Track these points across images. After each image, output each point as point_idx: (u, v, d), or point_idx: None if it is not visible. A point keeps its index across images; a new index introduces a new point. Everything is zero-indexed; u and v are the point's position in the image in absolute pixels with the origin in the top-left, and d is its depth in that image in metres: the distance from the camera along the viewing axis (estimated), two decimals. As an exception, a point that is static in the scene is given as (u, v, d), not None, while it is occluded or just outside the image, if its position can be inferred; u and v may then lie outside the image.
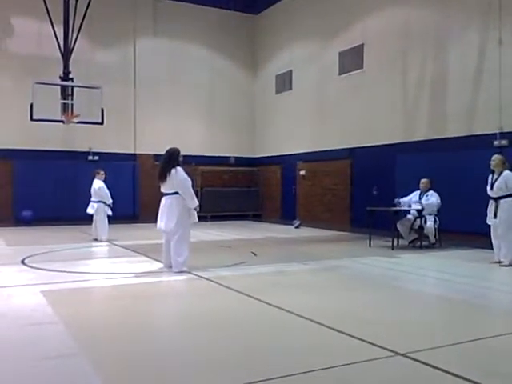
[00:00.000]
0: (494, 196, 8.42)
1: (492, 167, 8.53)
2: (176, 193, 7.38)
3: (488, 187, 8.50)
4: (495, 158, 8.54)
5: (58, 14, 14.43)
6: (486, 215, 8.54)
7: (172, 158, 7.48)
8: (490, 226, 8.54)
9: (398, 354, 3.83)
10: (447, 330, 4.62)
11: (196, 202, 7.49)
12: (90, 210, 11.78)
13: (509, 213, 8.26)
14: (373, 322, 4.84)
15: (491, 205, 8.46)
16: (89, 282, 7.01)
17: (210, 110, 18.98)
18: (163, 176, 7.40)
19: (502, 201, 8.33)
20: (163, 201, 7.53)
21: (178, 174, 7.39)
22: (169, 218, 7.39)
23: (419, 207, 10.38)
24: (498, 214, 8.34)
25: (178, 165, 7.46)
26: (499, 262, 8.28)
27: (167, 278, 7.18)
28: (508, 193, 8.31)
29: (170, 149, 7.61)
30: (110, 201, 11.70)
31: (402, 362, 3.70)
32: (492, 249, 8.60)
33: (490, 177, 8.52)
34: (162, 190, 7.54)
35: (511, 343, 4.29)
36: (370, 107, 14.29)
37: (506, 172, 8.38)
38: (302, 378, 3.38)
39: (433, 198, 10.48)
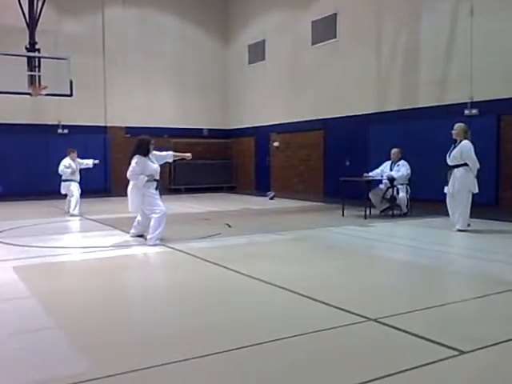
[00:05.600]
0: (450, 164, 8.56)
1: (454, 136, 8.61)
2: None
3: (447, 155, 8.62)
4: (457, 127, 8.61)
5: (22, -19, 13.92)
6: None
7: (139, 147, 7.66)
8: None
9: (369, 319, 3.91)
10: (419, 296, 4.71)
11: (143, 180, 7.53)
12: (63, 191, 11.90)
13: (462, 182, 8.39)
14: (345, 289, 4.93)
15: (448, 173, 8.59)
16: (62, 256, 6.94)
17: (182, 80, 18.68)
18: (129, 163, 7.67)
19: (455, 170, 8.45)
20: (132, 184, 7.69)
21: (136, 162, 7.58)
22: (147, 199, 7.56)
23: (386, 179, 10.54)
24: (451, 183, 8.47)
25: (146, 154, 7.62)
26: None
27: (141, 250, 7.15)
28: (462, 162, 8.41)
29: (141, 136, 7.88)
30: (89, 164, 12.06)
31: (373, 327, 3.78)
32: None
33: (453, 145, 8.63)
34: None
35: (480, 307, 4.42)
36: (343, 77, 14.25)
37: (464, 142, 8.46)
38: (275, 346, 3.43)
39: (402, 169, 10.62)
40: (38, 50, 14.01)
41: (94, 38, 17.08)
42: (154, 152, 7.83)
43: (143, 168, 7.56)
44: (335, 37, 14.57)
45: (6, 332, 3.74)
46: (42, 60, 13.87)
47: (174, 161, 8.27)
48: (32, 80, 13.78)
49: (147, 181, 7.55)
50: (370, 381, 2.86)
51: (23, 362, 3.21)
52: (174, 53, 18.44)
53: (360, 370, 3.04)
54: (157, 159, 7.86)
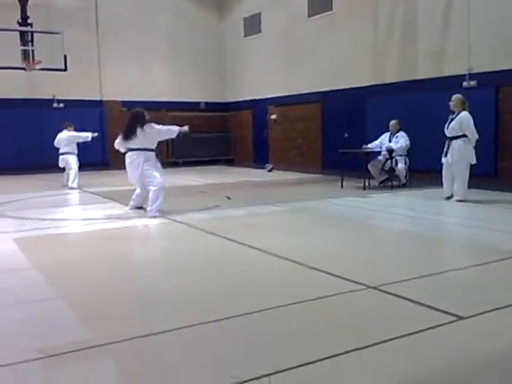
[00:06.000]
0: (449, 135, 8.56)
1: (452, 108, 8.59)
2: (147, 149, 7.52)
3: (445, 126, 8.61)
4: (454, 98, 8.59)
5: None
6: None
7: (137, 119, 7.56)
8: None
9: (368, 286, 3.93)
10: (418, 264, 4.73)
11: (175, 130, 7.74)
12: (61, 164, 11.90)
13: (460, 153, 8.40)
14: (344, 258, 4.95)
15: (446, 144, 8.59)
16: (62, 228, 6.96)
17: (178, 54, 18.44)
18: (132, 134, 7.47)
19: (454, 141, 8.46)
20: (132, 156, 7.56)
21: (153, 126, 7.54)
22: (146, 172, 7.49)
23: (385, 151, 10.53)
24: (450, 154, 8.49)
25: (144, 124, 7.54)
26: (449, 197, 8.54)
27: (141, 222, 7.16)
28: (461, 133, 8.41)
29: (135, 109, 7.78)
30: (88, 136, 11.90)
31: (372, 295, 3.80)
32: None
33: (450, 117, 8.61)
34: (131, 146, 7.57)
35: (479, 275, 4.45)
36: (340, 50, 14.09)
37: (463, 113, 8.45)
38: (272, 314, 3.45)
39: (401, 140, 10.60)
40: (31, 25, 13.81)
41: (87, 12, 16.81)
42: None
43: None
44: (331, 9, 14.36)
45: (6, 302, 3.77)
46: (35, 35, 13.68)
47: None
48: (26, 55, 13.62)
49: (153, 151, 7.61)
50: (367, 347, 2.86)
51: (25, 331, 3.22)
52: (168, 26, 18.17)
53: (357, 336, 3.05)
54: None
